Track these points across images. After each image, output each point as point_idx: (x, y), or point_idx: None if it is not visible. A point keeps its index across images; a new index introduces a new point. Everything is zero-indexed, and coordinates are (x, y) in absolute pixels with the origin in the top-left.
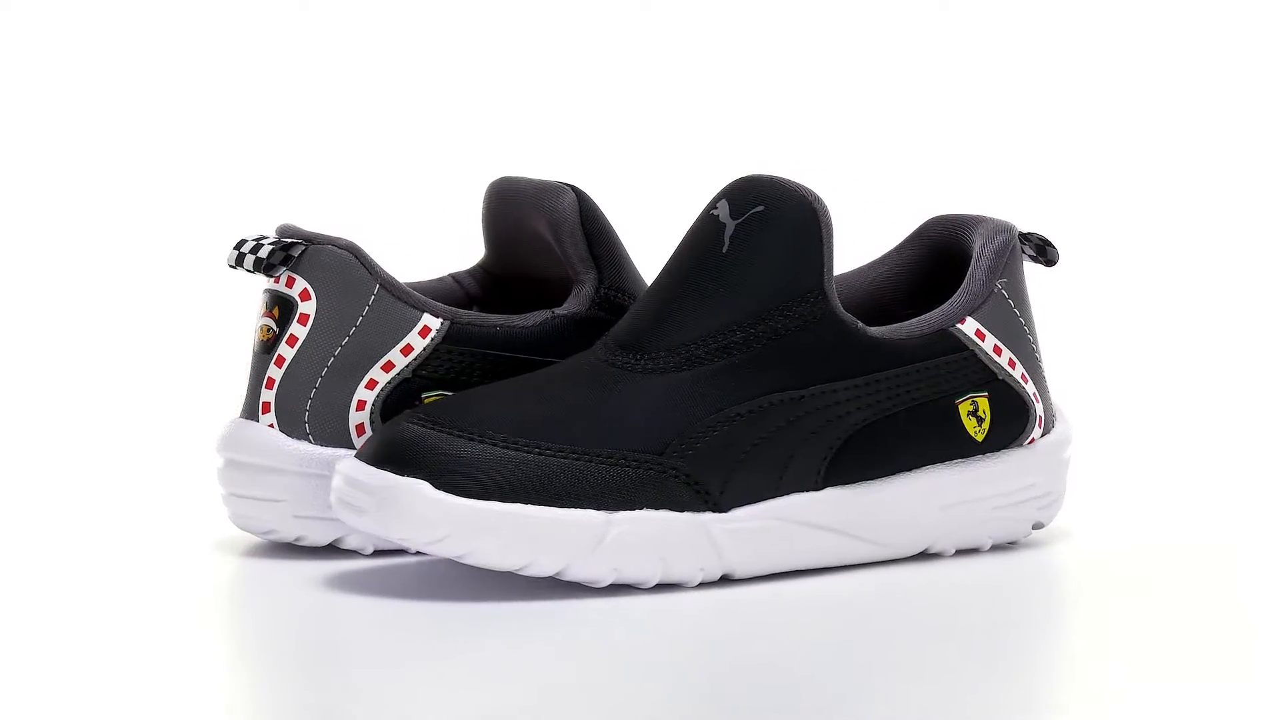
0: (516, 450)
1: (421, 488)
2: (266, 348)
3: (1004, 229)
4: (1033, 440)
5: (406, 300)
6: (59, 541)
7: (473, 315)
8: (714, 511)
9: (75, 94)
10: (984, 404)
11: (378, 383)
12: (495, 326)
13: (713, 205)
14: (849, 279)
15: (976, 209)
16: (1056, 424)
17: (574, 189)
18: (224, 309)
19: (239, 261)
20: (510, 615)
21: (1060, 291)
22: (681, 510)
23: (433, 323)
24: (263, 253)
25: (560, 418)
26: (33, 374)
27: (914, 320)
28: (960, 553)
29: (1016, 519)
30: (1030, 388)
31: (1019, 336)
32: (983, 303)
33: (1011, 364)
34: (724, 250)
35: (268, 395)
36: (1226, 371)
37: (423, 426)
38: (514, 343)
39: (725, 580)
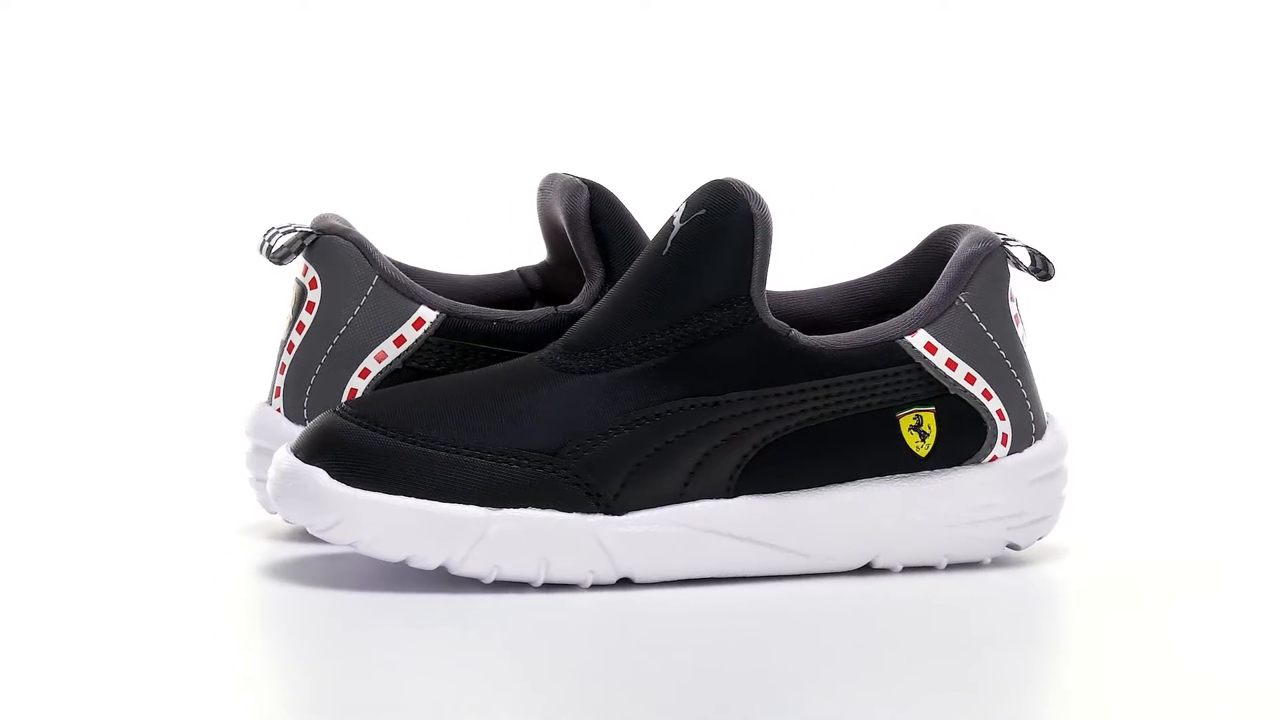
0: (410, 443)
1: (318, 476)
2: (286, 334)
3: (981, 240)
4: (994, 458)
5: (403, 292)
6: (92, 525)
7: (471, 309)
8: (606, 514)
9: (106, 84)
10: (929, 418)
11: (370, 372)
12: (492, 321)
13: (676, 208)
14: (858, 285)
15: (995, 213)
16: (1041, 442)
17: (591, 187)
18: (262, 294)
19: (261, 249)
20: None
21: (1060, 302)
22: (569, 511)
23: (428, 315)
24: (276, 242)
25: (463, 413)
26: (74, 362)
27: (861, 330)
28: (912, 569)
29: (979, 539)
30: (993, 404)
31: (982, 351)
32: (939, 315)
33: (969, 379)
34: (664, 253)
35: (280, 381)
36: (1229, 384)
37: (341, 416)
38: (510, 338)
39: (626, 584)
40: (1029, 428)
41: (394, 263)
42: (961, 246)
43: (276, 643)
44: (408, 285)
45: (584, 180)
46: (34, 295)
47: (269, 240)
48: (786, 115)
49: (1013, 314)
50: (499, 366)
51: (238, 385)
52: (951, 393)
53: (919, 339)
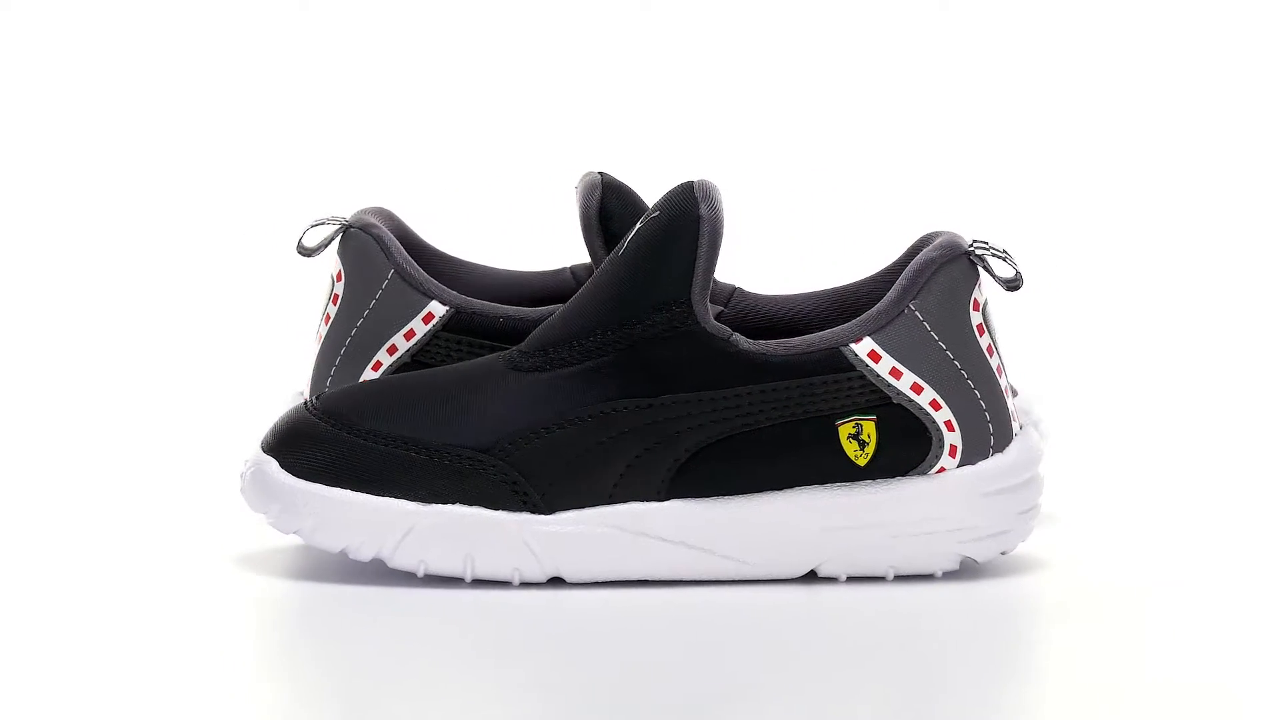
0: (354, 436)
1: (268, 466)
2: (318, 327)
3: (942, 247)
4: (941, 470)
5: (416, 286)
6: (118, 522)
7: (480, 305)
8: (533, 513)
9: (147, 80)
10: (870, 427)
11: (382, 365)
12: (499, 318)
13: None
14: (843, 291)
15: (996, 215)
16: (1001, 455)
17: (607, 185)
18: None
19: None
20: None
21: (1055, 303)
22: (496, 508)
23: (437, 310)
24: (305, 237)
25: (408, 408)
26: (118, 355)
27: (807, 336)
28: (859, 580)
29: (928, 551)
30: (941, 415)
31: (932, 360)
32: (887, 323)
33: (915, 388)
34: (619, 254)
35: (309, 372)
36: (1209, 394)
37: (305, 409)
38: (517, 335)
39: (559, 584)
40: (985, 440)
41: (449, 258)
42: (921, 253)
43: (285, 634)
44: (421, 280)
45: (603, 177)
46: (79, 293)
47: (302, 234)
48: (819, 119)
49: (975, 324)
50: (464, 364)
51: (279, 377)
52: (895, 402)
53: (863, 346)
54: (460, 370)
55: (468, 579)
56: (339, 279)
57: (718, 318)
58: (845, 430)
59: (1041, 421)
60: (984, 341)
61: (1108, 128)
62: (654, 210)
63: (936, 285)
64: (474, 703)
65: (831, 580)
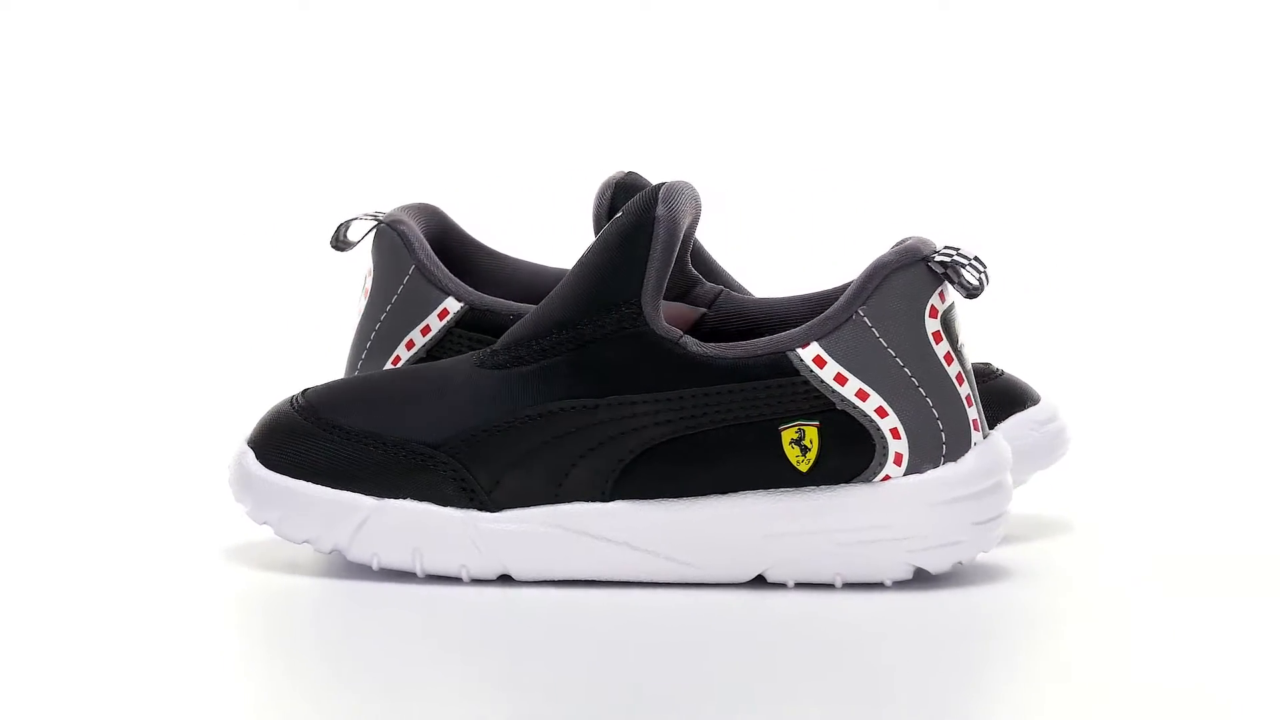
0: (319, 429)
1: (246, 458)
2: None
3: (898, 253)
4: (886, 477)
5: (435, 283)
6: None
7: (492, 301)
8: (480, 510)
9: (191, 77)
10: (812, 433)
11: (400, 360)
12: (510, 315)
13: None
14: (835, 293)
15: (996, 215)
16: (955, 464)
17: (619, 185)
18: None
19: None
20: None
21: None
22: (445, 505)
23: (452, 306)
24: (344, 231)
25: (375, 403)
26: (156, 345)
27: (756, 340)
28: (808, 586)
29: (877, 559)
30: (886, 422)
31: (880, 367)
32: (835, 329)
33: (861, 395)
34: (584, 254)
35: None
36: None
37: (288, 402)
38: None
39: (511, 582)
40: (936, 448)
41: (500, 256)
42: (876, 259)
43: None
44: (439, 276)
45: (628, 177)
46: (115, 286)
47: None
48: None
49: (931, 331)
50: (443, 360)
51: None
52: (838, 408)
53: (809, 352)
54: (435, 367)
55: (419, 574)
56: (370, 275)
57: (701, 319)
58: (788, 435)
59: (1064, 430)
60: (941, 349)
61: (1129, 131)
62: (619, 211)
63: (887, 291)
64: (396, 698)
65: (780, 586)
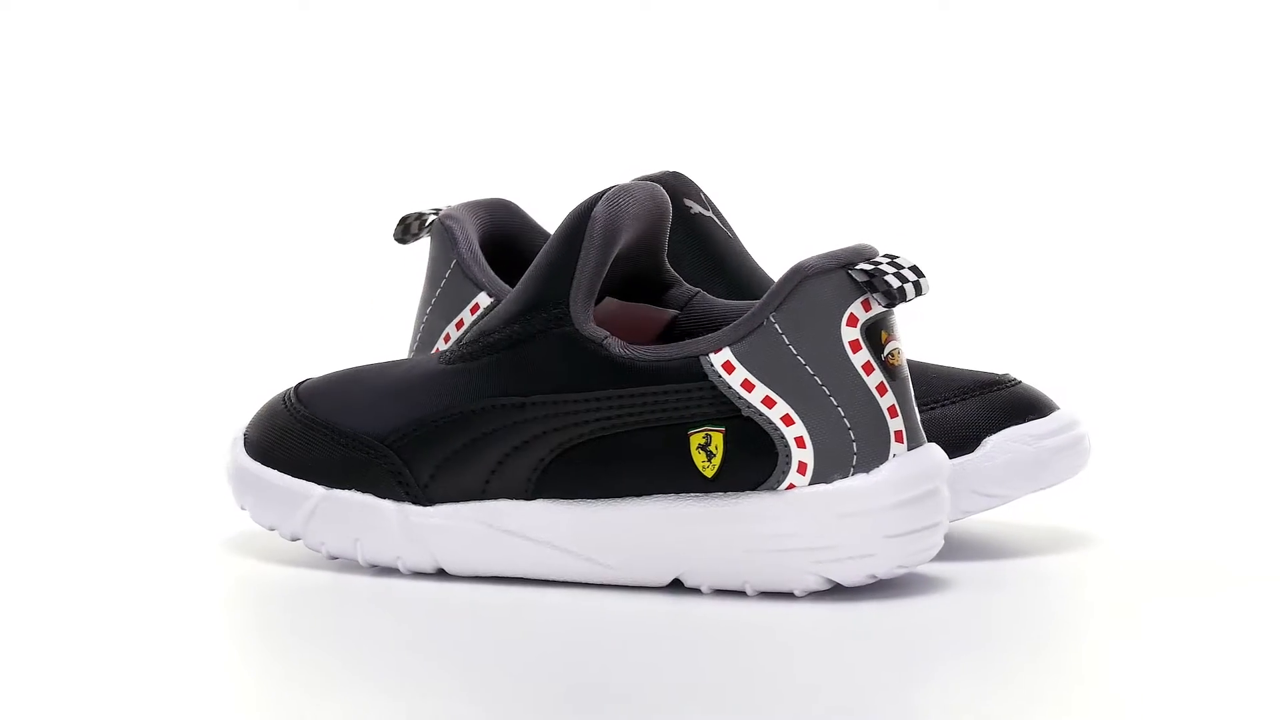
0: (294, 419)
1: (236, 445)
2: None
3: (818, 259)
4: (791, 486)
5: (470, 277)
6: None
7: None
8: (414, 504)
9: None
10: (718, 439)
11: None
12: None
13: None
14: None
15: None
16: (865, 475)
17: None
18: None
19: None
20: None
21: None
22: (383, 497)
23: (484, 301)
24: (414, 225)
25: (342, 394)
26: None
27: (672, 344)
28: (725, 593)
29: (786, 568)
30: (792, 430)
31: (788, 375)
32: (745, 335)
33: (767, 402)
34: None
35: None
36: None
37: (284, 392)
38: None
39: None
40: (846, 458)
41: None
42: (792, 265)
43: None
44: (475, 271)
45: (666, 176)
46: (165, 279)
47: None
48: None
49: (848, 339)
50: (421, 356)
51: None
52: (743, 414)
53: (720, 357)
54: (410, 361)
55: (361, 563)
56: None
57: (674, 322)
58: (695, 440)
59: (1085, 437)
60: (860, 358)
61: (1159, 141)
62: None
63: (801, 298)
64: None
65: (696, 591)
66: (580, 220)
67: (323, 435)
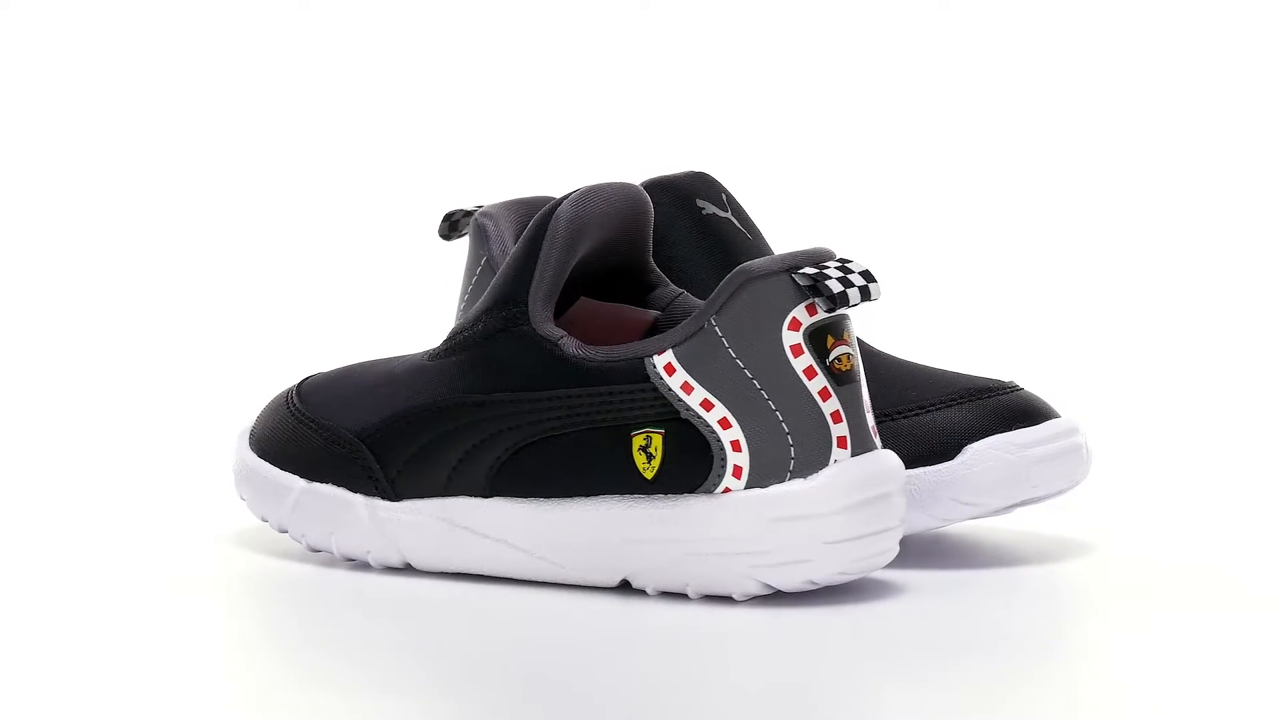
0: (289, 413)
1: (242, 439)
2: None
3: (761, 263)
4: (727, 490)
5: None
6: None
7: None
8: (382, 498)
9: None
10: (658, 440)
11: None
12: None
13: None
14: None
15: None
16: (802, 480)
17: (653, 185)
18: None
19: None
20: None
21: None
22: (356, 492)
23: None
24: (460, 222)
25: (331, 390)
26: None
27: (621, 345)
28: (670, 596)
29: (725, 572)
30: (729, 434)
31: (728, 378)
32: (687, 338)
33: (706, 405)
34: None
35: None
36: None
37: (290, 386)
38: None
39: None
40: (783, 463)
41: None
42: (735, 269)
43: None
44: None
45: (688, 176)
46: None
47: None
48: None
49: (790, 343)
50: (414, 352)
51: None
52: (682, 417)
53: (662, 359)
54: (401, 357)
55: (337, 556)
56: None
57: (655, 323)
58: (637, 441)
59: (1082, 447)
60: (801, 363)
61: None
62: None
63: (742, 302)
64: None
65: (643, 593)
66: (544, 219)
67: (308, 429)
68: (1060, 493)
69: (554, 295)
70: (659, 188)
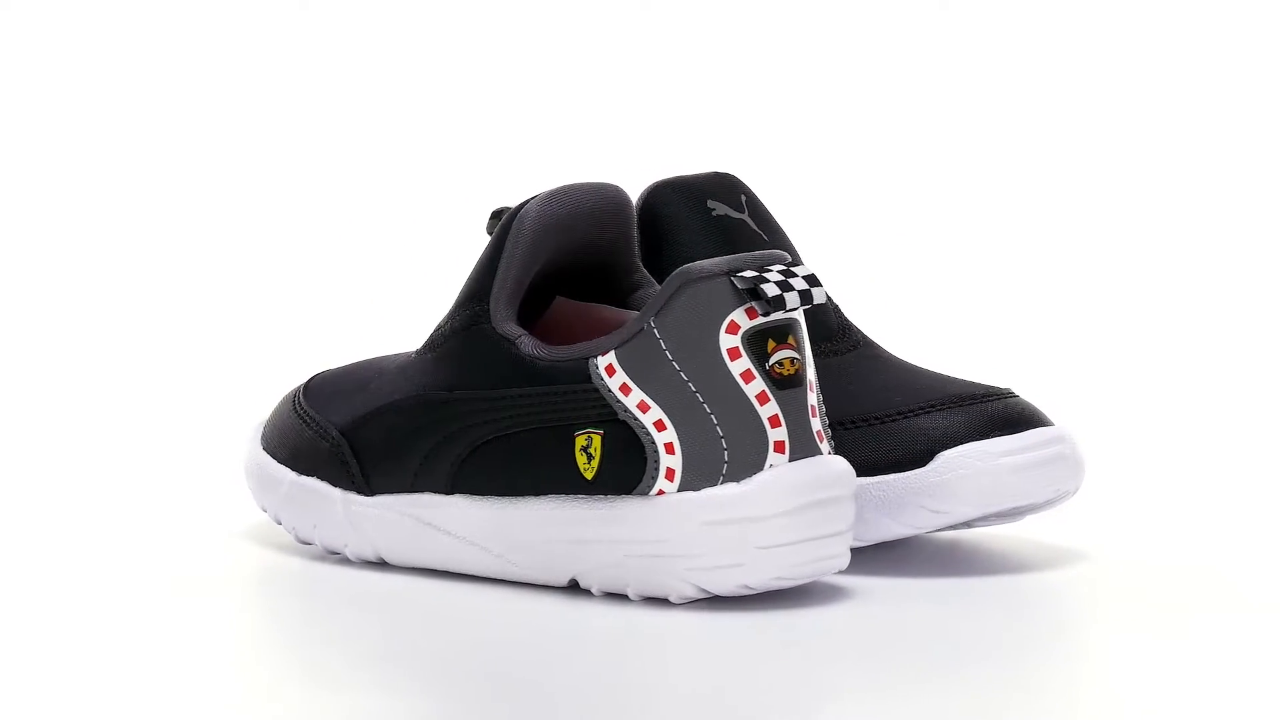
0: (292, 407)
1: (256, 434)
2: None
3: (700, 266)
4: (660, 492)
5: None
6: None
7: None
8: (357, 493)
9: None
10: (597, 441)
11: None
12: None
13: None
14: None
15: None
16: (736, 485)
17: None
18: None
19: None
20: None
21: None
22: (335, 485)
23: None
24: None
25: (328, 384)
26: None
27: (570, 345)
28: (614, 597)
29: (662, 574)
30: (663, 436)
31: (664, 380)
32: (628, 339)
33: (642, 406)
34: None
35: None
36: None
37: (301, 382)
38: None
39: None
40: (716, 467)
41: None
42: (676, 270)
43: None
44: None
45: (715, 175)
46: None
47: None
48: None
49: (727, 347)
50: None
51: None
52: (619, 418)
53: (605, 360)
54: (397, 354)
55: (319, 548)
56: None
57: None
58: (579, 441)
59: (1065, 456)
60: (738, 366)
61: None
62: None
63: (680, 303)
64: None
65: (589, 593)
66: (511, 219)
67: (303, 423)
68: (1048, 503)
69: (517, 295)
70: (670, 188)
